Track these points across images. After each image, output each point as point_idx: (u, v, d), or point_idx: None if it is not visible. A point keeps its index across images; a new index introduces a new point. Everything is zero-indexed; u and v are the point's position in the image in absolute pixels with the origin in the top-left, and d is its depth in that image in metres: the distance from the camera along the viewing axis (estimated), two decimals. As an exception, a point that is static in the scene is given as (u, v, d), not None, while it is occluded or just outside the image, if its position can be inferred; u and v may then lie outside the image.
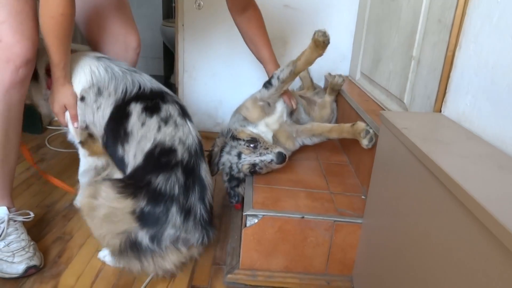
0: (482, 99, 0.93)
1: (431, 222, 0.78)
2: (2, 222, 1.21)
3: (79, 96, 1.27)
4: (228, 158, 1.42)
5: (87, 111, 1.27)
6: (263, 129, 1.50)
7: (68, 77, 1.25)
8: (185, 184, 1.14)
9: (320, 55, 1.39)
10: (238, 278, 1.23)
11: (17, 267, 1.17)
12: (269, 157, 1.37)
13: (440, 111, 1.11)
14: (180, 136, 1.19)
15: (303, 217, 1.18)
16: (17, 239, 1.21)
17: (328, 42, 1.34)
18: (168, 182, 1.12)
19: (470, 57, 0.99)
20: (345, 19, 2.16)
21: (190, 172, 1.16)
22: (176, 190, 1.12)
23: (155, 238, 1.11)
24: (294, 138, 1.55)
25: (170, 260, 1.14)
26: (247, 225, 1.19)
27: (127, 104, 1.22)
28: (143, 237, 1.11)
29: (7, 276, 1.17)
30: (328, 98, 1.84)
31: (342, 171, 1.50)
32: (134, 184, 1.13)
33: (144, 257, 1.12)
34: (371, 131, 1.33)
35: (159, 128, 1.19)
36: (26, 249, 1.20)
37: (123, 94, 1.23)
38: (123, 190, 1.12)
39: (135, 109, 1.21)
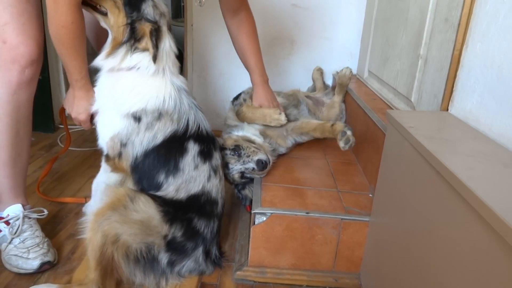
0: (488, 98, 0.94)
1: (438, 220, 0.79)
2: (17, 219, 1.25)
3: (132, 114, 1.21)
4: None
5: (134, 131, 1.22)
6: (248, 128, 1.53)
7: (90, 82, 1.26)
8: (216, 231, 1.29)
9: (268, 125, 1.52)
10: (247, 275, 1.25)
11: (32, 263, 1.20)
12: (250, 165, 1.40)
13: (447, 110, 1.11)
14: (221, 189, 1.31)
15: (308, 212, 1.20)
16: (32, 235, 1.24)
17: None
18: (207, 227, 1.25)
19: (476, 56, 1.00)
20: (353, 17, 2.16)
21: (220, 222, 1.32)
22: (209, 235, 1.26)
23: (173, 264, 1.21)
24: (285, 136, 1.57)
25: (170, 283, 1.21)
26: (256, 223, 1.21)
27: (187, 140, 1.24)
28: (163, 258, 1.19)
29: (22, 271, 1.20)
30: (336, 98, 1.84)
31: (349, 170, 1.51)
32: (172, 212, 1.19)
33: (152, 273, 1.18)
34: (348, 132, 1.35)
35: (209, 178, 1.26)
36: (41, 246, 1.23)
37: (184, 127, 1.24)
38: (164, 214, 1.17)
39: (193, 148, 1.24)
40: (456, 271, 0.71)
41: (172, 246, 1.19)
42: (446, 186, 0.75)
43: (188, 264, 1.23)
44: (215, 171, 1.29)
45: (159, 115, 1.22)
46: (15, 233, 1.23)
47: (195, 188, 1.24)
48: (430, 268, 0.80)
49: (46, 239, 1.27)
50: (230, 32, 1.58)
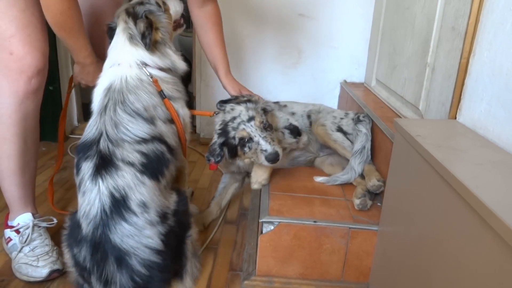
0: (496, 106, 0.93)
1: (446, 229, 0.78)
2: (27, 228, 1.26)
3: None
4: None
5: None
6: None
7: None
8: (93, 258, 1.05)
9: None
10: (255, 284, 1.25)
11: (41, 271, 1.21)
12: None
13: (455, 118, 1.11)
14: (85, 207, 1.05)
15: (316, 221, 1.19)
16: (41, 244, 1.26)
17: None
18: (80, 255, 1.06)
19: (484, 64, 1.00)
20: (360, 27, 2.17)
21: (98, 247, 1.04)
22: (88, 264, 1.05)
23: None
24: None
25: None
26: (263, 232, 1.21)
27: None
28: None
29: (32, 279, 1.21)
30: None
31: (357, 178, 1.50)
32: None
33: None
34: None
35: (82, 197, 1.08)
36: (50, 254, 1.24)
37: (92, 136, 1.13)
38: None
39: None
40: (465, 281, 0.70)
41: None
42: (454, 195, 0.75)
43: None
44: (80, 188, 1.09)
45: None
46: (25, 241, 1.25)
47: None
48: (439, 277, 0.80)
49: (55, 248, 1.28)
50: (195, 23, 1.56)
